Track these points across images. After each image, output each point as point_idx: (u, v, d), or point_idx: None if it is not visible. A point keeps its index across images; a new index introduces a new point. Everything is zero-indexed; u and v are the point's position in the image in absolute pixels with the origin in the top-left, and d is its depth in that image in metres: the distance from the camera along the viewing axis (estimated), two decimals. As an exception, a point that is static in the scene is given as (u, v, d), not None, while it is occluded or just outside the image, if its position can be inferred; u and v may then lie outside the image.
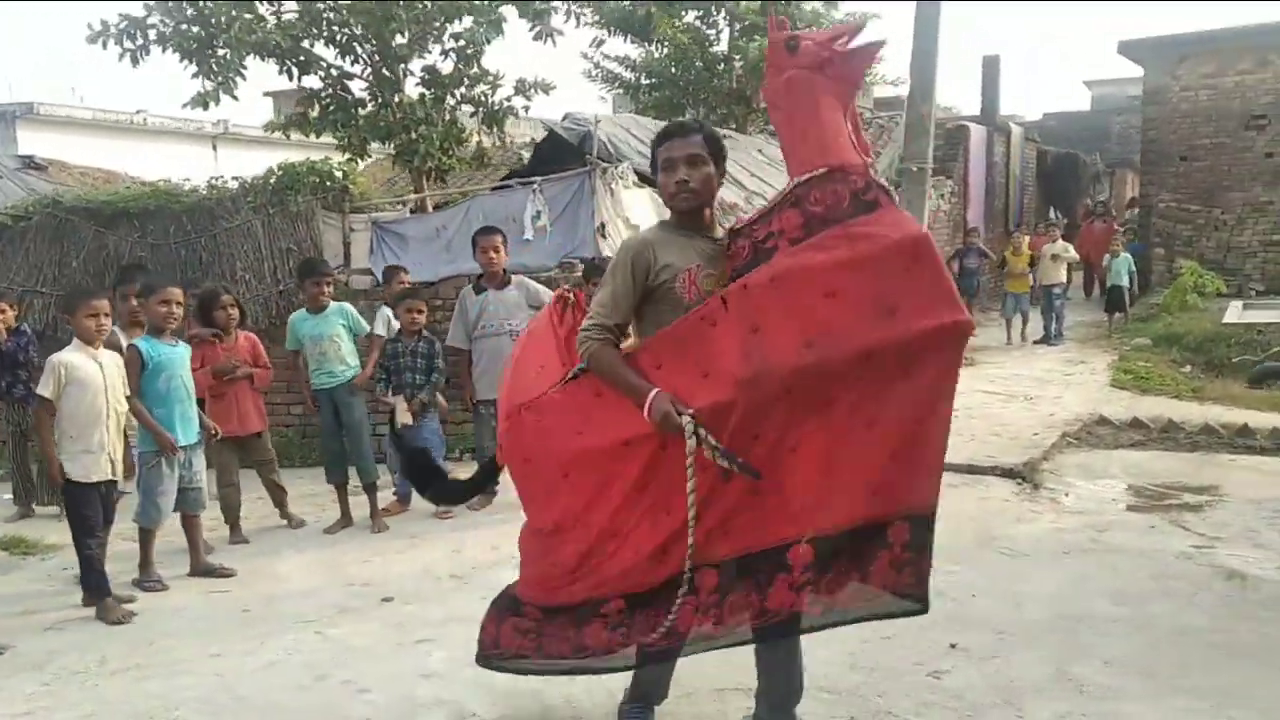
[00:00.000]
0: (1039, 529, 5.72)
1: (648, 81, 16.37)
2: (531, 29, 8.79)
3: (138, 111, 18.89)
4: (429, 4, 8.67)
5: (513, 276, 6.50)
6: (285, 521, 6.39)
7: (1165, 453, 7.49)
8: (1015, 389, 9.95)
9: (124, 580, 5.30)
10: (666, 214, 3.20)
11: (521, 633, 3.34)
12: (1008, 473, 6.76)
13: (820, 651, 3.93)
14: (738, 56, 15.67)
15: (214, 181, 8.90)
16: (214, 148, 20.69)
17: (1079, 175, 24.76)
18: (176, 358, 5.26)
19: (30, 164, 13.56)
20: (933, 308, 2.79)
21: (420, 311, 6.35)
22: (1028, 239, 13.47)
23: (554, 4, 8.99)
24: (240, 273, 8.49)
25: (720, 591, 2.96)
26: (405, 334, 6.35)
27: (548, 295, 6.51)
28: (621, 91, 16.50)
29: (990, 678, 3.87)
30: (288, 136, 9.64)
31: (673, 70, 15.94)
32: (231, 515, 6.15)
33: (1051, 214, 22.54)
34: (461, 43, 9.07)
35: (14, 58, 61.21)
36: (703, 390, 2.86)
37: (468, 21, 8.77)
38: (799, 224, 2.87)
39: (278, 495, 6.37)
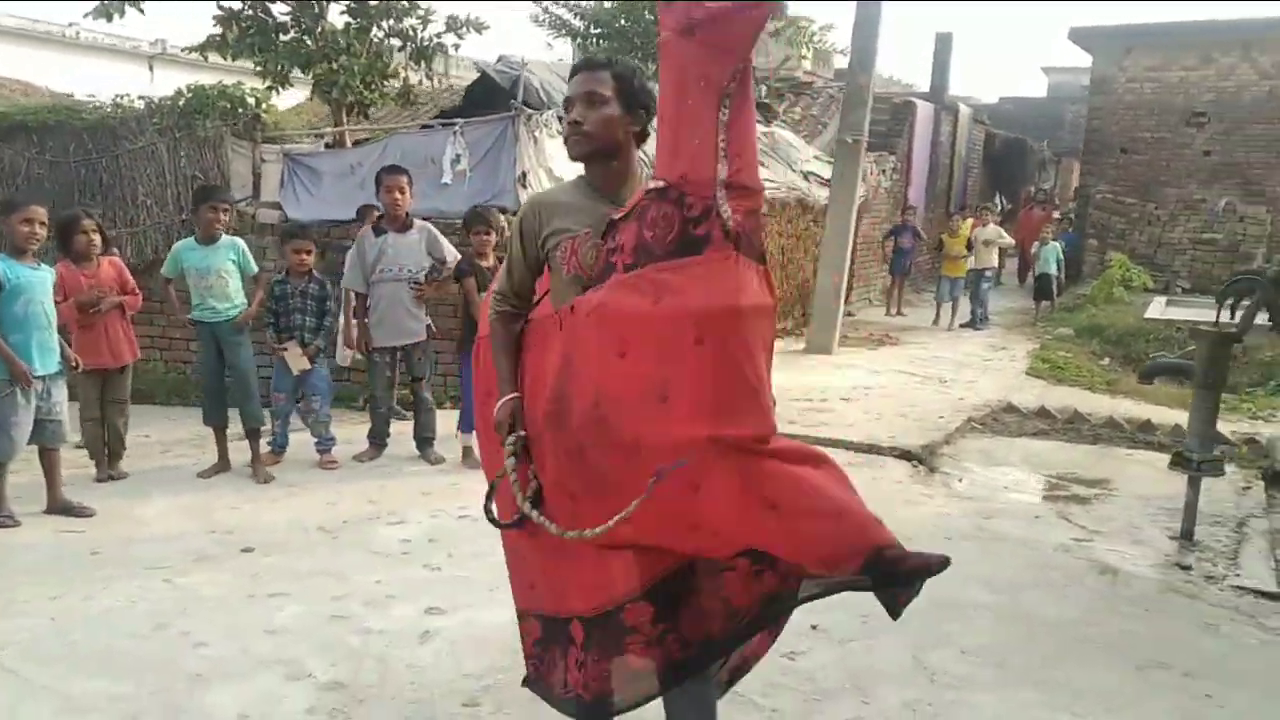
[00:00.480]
0: (926, 512, 5.69)
1: (596, 31, 15.98)
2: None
3: (70, 24, 18.10)
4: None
5: (415, 220, 6.26)
6: (111, 470, 5.95)
7: (1067, 444, 7.52)
8: (932, 371, 9.96)
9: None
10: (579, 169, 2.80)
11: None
12: (905, 455, 6.74)
13: (681, 626, 3.84)
14: (689, 13, 15.36)
15: (118, 99, 8.49)
16: (150, 68, 19.95)
17: (1026, 161, 24.91)
18: (37, 281, 4.96)
19: (-61, 69, 12.91)
20: (710, 409, 2.25)
21: (309, 251, 6.09)
22: (969, 222, 13.41)
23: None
24: (142, 198, 8.12)
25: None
26: (293, 274, 6.09)
27: (450, 248, 6.29)
28: (568, 39, 16.10)
29: (844, 661, 3.82)
30: (205, 59, 9.23)
31: (621, 21, 15.58)
32: (95, 452, 5.87)
33: (997, 198, 22.67)
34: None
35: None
36: (534, 406, 2.54)
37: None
38: (632, 246, 2.34)
39: (117, 443, 5.97)
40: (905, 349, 11.35)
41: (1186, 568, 4.96)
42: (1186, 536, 5.29)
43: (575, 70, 2.60)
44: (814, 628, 4.08)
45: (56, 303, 5.24)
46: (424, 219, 6.44)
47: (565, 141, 2.59)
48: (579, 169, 2.67)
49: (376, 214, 6.51)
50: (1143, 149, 16.94)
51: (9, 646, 3.72)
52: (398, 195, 6.09)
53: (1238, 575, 4.88)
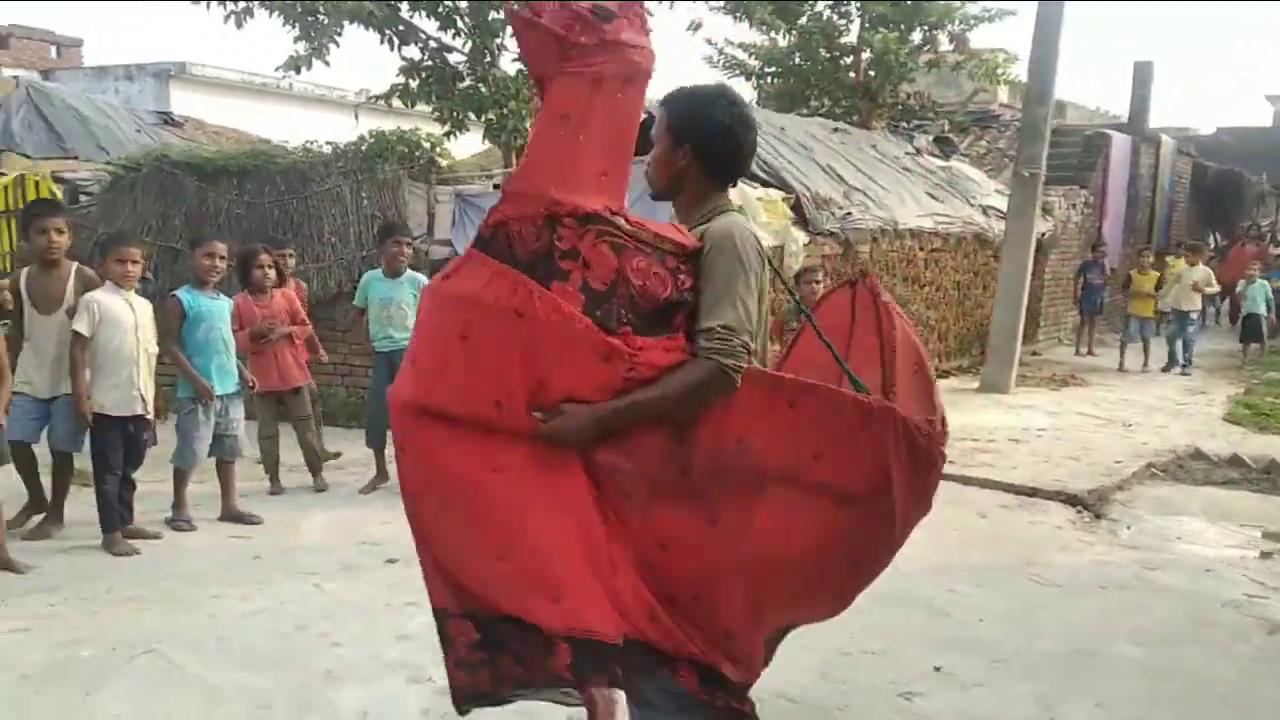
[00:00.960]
0: (1082, 559, 5.36)
1: (770, 70, 16.07)
2: (625, 8, 8.72)
3: (284, 76, 19.69)
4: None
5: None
6: (313, 483, 6.41)
7: (1258, 495, 6.91)
8: (1117, 414, 9.36)
9: (159, 517, 5.54)
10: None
11: None
12: (1070, 499, 6.37)
13: (800, 658, 3.78)
14: (866, 49, 15.23)
15: (309, 145, 9.19)
16: (355, 115, 21.46)
17: (1242, 195, 23.17)
18: (216, 310, 5.44)
19: (167, 120, 14.27)
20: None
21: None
22: (1180, 260, 12.51)
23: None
24: (327, 235, 8.72)
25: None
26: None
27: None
28: (743, 79, 16.22)
29: (965, 707, 3.65)
30: (389, 105, 9.87)
31: (796, 60, 15.60)
32: (270, 467, 6.32)
33: (1210, 235, 21.18)
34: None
35: (183, 17, 65.44)
36: None
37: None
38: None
39: (310, 456, 6.42)
40: (1091, 390, 10.73)
41: (1382, 632, 4.46)
42: (1384, 597, 4.76)
43: None
44: (937, 669, 3.92)
45: (234, 331, 5.75)
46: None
47: None
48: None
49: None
50: (1373, 179, 15.47)
51: (167, 640, 4.03)
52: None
53: None
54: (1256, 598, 4.81)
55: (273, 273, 6.24)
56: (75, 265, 5.29)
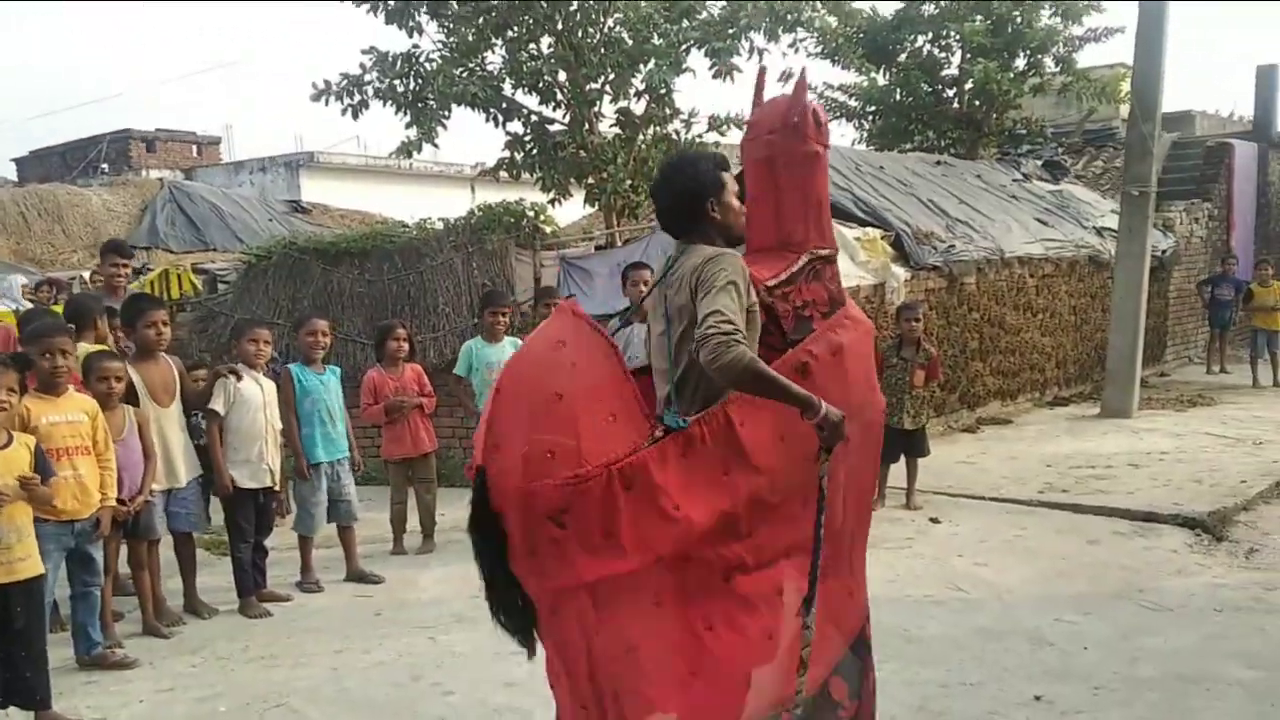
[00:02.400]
0: (1197, 583, 5.22)
1: (871, 109, 16.10)
2: (711, 68, 9.01)
3: (403, 158, 20.80)
4: (616, 51, 9.09)
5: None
6: (421, 545, 6.68)
7: (1398, 509, 6.56)
8: (1246, 433, 8.99)
9: (289, 581, 5.95)
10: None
11: None
12: (1188, 522, 6.18)
13: (899, 694, 3.85)
14: (969, 80, 15.12)
15: (422, 222, 9.72)
16: (472, 189, 22.45)
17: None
18: (320, 384, 5.88)
19: (297, 208, 15.23)
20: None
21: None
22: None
23: (739, 42, 9.09)
24: (441, 306, 9.18)
25: None
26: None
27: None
28: (844, 120, 16.29)
29: (1062, 734, 3.63)
30: (497, 179, 10.36)
31: (898, 96, 15.59)
32: (397, 528, 6.69)
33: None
34: (654, 84, 9.43)
35: (307, 109, 69.17)
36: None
37: (653, 64, 9.11)
38: (825, 299, 2.97)
39: (427, 519, 6.73)
40: (1219, 409, 10.31)
41: None
42: None
43: None
44: (1037, 698, 3.91)
45: (367, 405, 6.20)
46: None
47: None
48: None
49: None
50: None
51: (295, 694, 4.35)
52: (641, 288, 6.56)
53: None
54: (1384, 617, 4.60)
55: (406, 346, 6.66)
56: (175, 358, 5.54)
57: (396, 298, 9.21)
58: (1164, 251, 12.74)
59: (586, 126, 9.77)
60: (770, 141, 3.02)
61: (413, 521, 6.77)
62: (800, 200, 3.00)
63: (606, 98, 9.80)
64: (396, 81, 9.12)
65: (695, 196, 2.89)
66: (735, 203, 2.94)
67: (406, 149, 9.16)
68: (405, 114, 9.32)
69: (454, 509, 7.58)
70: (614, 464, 2.48)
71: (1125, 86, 14.30)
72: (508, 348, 6.69)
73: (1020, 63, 15.18)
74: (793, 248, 3.01)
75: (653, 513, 2.50)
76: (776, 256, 2.99)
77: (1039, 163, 14.72)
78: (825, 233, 3.06)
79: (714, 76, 9.03)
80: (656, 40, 9.36)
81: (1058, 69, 15.34)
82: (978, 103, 15.39)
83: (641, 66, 9.39)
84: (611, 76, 9.43)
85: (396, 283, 9.27)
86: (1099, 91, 15.17)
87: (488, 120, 9.72)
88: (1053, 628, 4.64)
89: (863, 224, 9.85)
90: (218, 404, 5.36)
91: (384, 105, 9.36)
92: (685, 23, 9.36)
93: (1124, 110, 17.14)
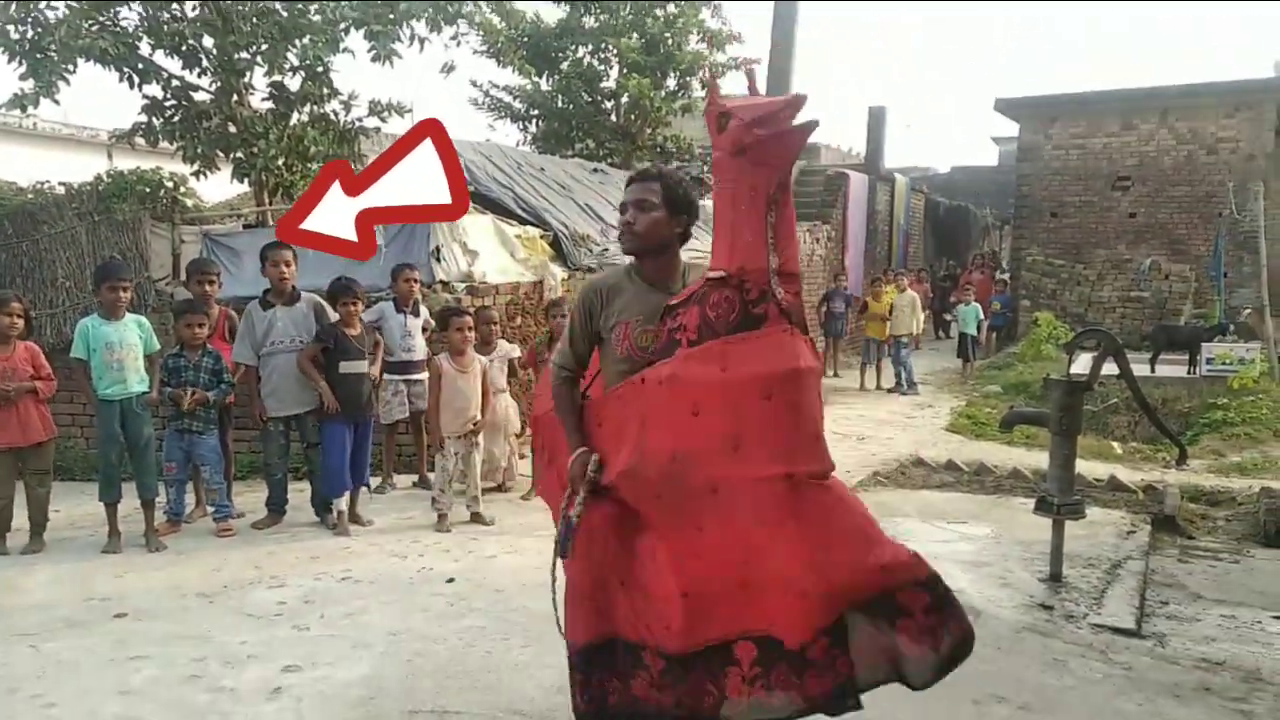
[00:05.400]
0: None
1: (535, 113, 16.46)
2: (369, 50, 8.79)
3: (18, 113, 18.40)
4: (269, 22, 8.63)
5: (303, 293, 6.45)
6: (31, 541, 6.03)
7: (967, 495, 7.68)
8: (853, 430, 10.14)
9: None
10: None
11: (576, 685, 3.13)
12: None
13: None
14: (625, 94, 15.86)
15: (39, 185, 8.71)
16: (109, 156, 20.27)
17: (970, 227, 25.56)
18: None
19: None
20: (783, 452, 2.69)
21: (201, 325, 6.24)
22: (890, 287, 13.69)
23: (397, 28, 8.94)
24: (61, 280, 8.29)
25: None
26: (187, 348, 6.24)
27: (331, 318, 6.43)
28: (509, 121, 16.57)
29: None
30: (132, 145, 9.48)
31: (559, 102, 16.06)
32: (0, 525, 5.93)
33: (945, 262, 23.18)
34: (309, 60, 9.03)
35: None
36: (615, 462, 2.92)
37: (308, 39, 8.75)
38: (695, 325, 2.80)
39: (38, 515, 6.04)
40: (832, 408, 11.52)
41: (1049, 608, 5.09)
42: (1055, 578, 5.43)
43: (630, 180, 3.09)
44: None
45: None
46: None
47: (619, 237, 3.10)
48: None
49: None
50: (1071, 212, 17.46)
51: None
52: (283, 269, 6.31)
53: (1098, 614, 5.01)
54: (954, 587, 5.36)
55: (21, 322, 5.89)
56: None
57: (6, 267, 8.20)
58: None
59: (235, 97, 9.20)
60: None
61: (20, 519, 6.04)
62: (717, 218, 2.86)
63: (259, 69, 9.26)
64: (10, 27, 8.06)
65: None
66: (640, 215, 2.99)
67: (20, 102, 8.13)
68: (20, 63, 8.27)
69: (70, 504, 6.90)
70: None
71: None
72: (130, 325, 6.10)
73: (671, 83, 16.17)
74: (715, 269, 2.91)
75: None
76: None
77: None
78: (733, 252, 2.78)
79: (373, 60, 8.81)
80: (314, 15, 9.00)
81: (703, 93, 16.50)
82: (633, 116, 16.21)
83: (297, 41, 8.98)
84: (264, 48, 8.92)
85: (6, 250, 8.25)
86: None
87: (121, 80, 8.86)
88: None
89: (523, 222, 10.07)
90: None
91: (-5, 51, 8.25)
92: (343, 1, 9.07)
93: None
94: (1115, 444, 9.91)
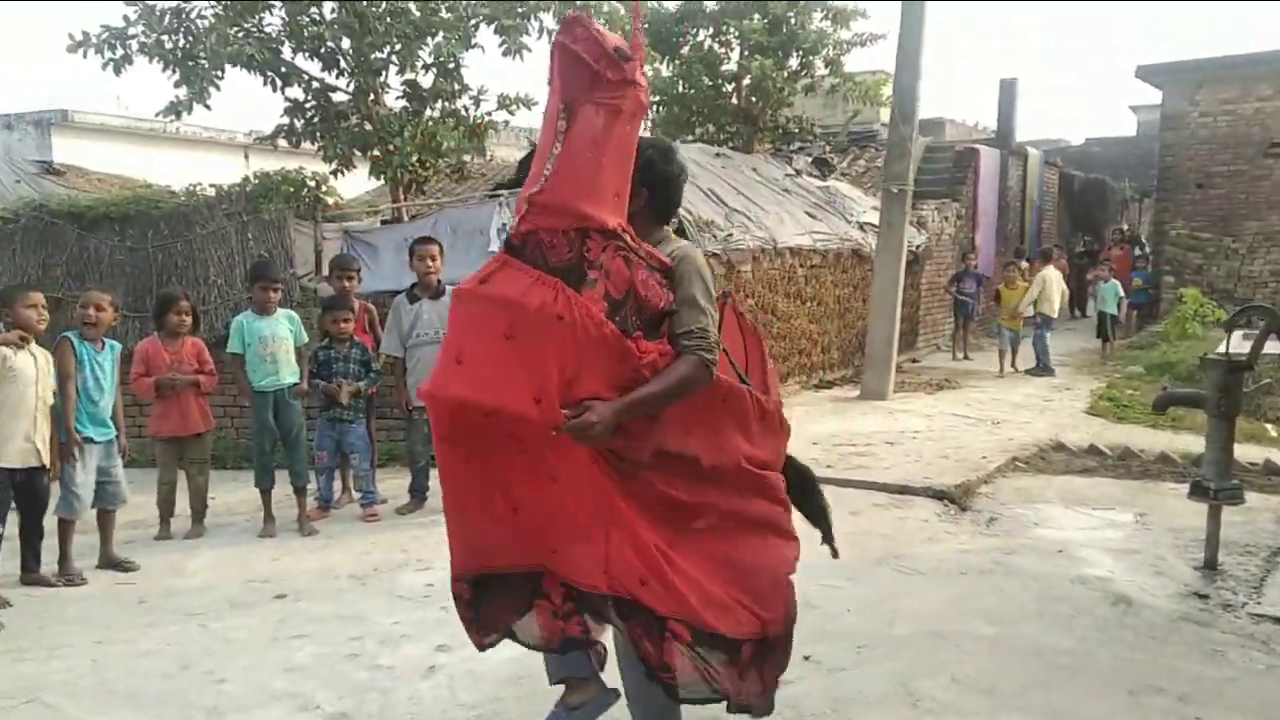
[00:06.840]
0: (945, 549, 5.70)
1: (656, 99, 16.48)
2: (500, 45, 8.97)
3: (169, 121, 19.39)
4: (403, 22, 8.89)
5: (447, 287, 6.63)
6: (192, 527, 6.40)
7: (1111, 480, 7.40)
8: (988, 414, 9.87)
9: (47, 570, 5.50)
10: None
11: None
12: (937, 494, 6.74)
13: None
14: (746, 76, 15.75)
15: (191, 188, 9.17)
16: (246, 157, 21.22)
17: (1107, 201, 24.45)
18: (97, 361, 5.47)
19: (49, 169, 13.97)
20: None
21: (346, 320, 6.50)
22: (1025, 269, 13.21)
23: (528, 21, 9.10)
24: (213, 278, 8.73)
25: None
26: (335, 342, 6.51)
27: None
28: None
29: (831, 690, 3.89)
30: (275, 146, 9.91)
31: (680, 88, 16.04)
32: (164, 511, 6.32)
33: (1081, 238, 22.28)
34: (442, 58, 9.27)
35: (60, 64, 63.19)
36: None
37: (441, 37, 8.97)
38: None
39: (197, 503, 6.42)
40: (965, 393, 11.26)
41: (1204, 596, 4.88)
42: (1209, 566, 5.21)
43: None
44: (806, 658, 4.15)
45: (138, 375, 5.81)
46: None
47: None
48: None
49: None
50: (1219, 183, 16.56)
51: (49, 688, 4.05)
52: (430, 263, 6.49)
53: (1258, 603, 4.78)
54: (1102, 575, 5.20)
55: (189, 320, 6.32)
56: None
57: (162, 267, 8.70)
58: (918, 247, 13.75)
59: (372, 97, 9.51)
60: None
61: (182, 504, 6.41)
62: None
63: (393, 68, 9.55)
64: (164, 38, 8.52)
65: None
66: None
67: (175, 109, 8.60)
68: (174, 72, 8.73)
69: (225, 491, 7.28)
70: None
71: (886, 91, 15.33)
72: (281, 320, 6.43)
73: (794, 63, 15.97)
74: None
75: None
76: None
77: (809, 159, 15.54)
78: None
79: (504, 54, 9.00)
80: (445, 13, 9.22)
81: (827, 71, 16.24)
82: (754, 99, 16.06)
83: (430, 39, 9.23)
84: (398, 47, 9.21)
85: (163, 251, 8.75)
86: (863, 94, 16.18)
87: (265, 84, 9.28)
88: (819, 592, 4.95)
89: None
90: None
91: (150, 62, 8.73)
92: (475, -1, 9.29)
93: (884, 114, 18.41)
94: (1270, 426, 9.38)
